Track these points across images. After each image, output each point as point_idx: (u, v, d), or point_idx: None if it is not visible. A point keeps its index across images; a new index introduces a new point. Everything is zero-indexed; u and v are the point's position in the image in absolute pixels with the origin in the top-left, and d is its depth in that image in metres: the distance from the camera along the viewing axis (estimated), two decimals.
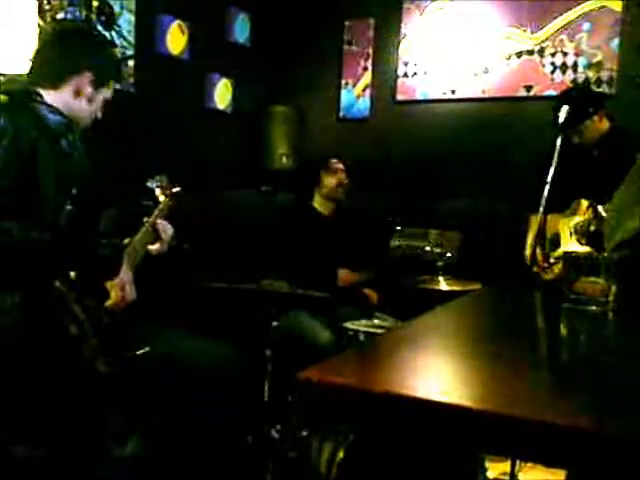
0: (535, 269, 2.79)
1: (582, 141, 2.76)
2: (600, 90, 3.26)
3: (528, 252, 2.73)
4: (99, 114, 1.77)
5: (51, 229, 1.50)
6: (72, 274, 1.50)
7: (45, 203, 1.52)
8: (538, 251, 2.72)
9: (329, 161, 3.19)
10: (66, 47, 1.70)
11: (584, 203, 2.74)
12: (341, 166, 3.19)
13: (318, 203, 3.19)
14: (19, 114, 1.54)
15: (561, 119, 2.57)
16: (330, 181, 3.15)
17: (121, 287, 1.61)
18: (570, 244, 2.78)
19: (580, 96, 2.92)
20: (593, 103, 2.83)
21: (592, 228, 2.64)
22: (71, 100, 1.67)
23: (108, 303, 1.60)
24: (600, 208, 2.58)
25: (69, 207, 1.57)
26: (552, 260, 2.83)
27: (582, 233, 2.72)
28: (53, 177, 1.53)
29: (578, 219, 2.76)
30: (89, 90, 1.70)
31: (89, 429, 1.52)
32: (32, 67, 1.70)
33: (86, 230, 1.67)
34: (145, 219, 1.79)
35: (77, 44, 1.73)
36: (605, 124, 2.79)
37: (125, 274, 1.63)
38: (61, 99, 1.66)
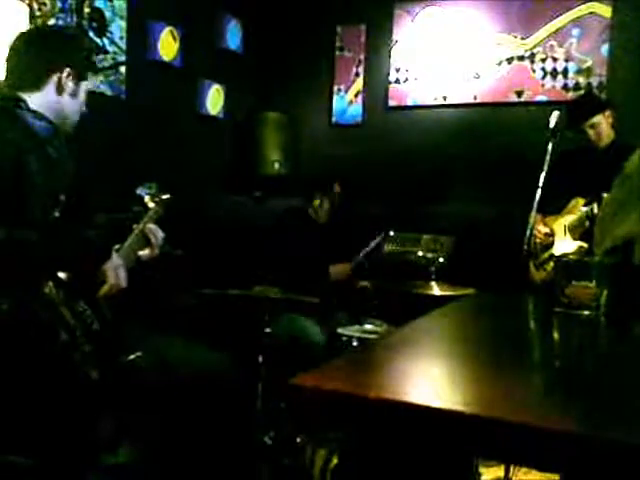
0: (530, 264, 2.83)
1: (597, 137, 2.83)
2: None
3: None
4: (83, 107, 1.76)
5: (37, 230, 1.49)
6: (62, 276, 1.49)
7: (32, 209, 1.51)
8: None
9: (325, 184, 3.17)
10: (40, 47, 1.69)
11: (580, 201, 2.78)
12: (334, 190, 3.17)
13: (311, 210, 3.20)
14: (3, 122, 1.53)
15: (552, 124, 2.60)
16: (317, 201, 3.15)
17: (114, 272, 1.59)
18: (564, 241, 2.81)
19: (588, 96, 3.14)
20: (600, 103, 2.96)
21: (587, 224, 2.67)
22: (55, 98, 1.67)
23: (103, 289, 1.59)
24: (595, 205, 2.61)
25: (57, 214, 1.57)
26: (542, 259, 2.86)
27: (576, 229, 2.76)
28: (40, 184, 1.52)
29: (573, 217, 2.80)
30: (70, 85, 1.69)
31: (80, 436, 1.51)
32: (8, 73, 1.68)
33: (74, 234, 1.66)
34: (135, 225, 1.79)
35: (50, 42, 1.72)
36: (612, 129, 2.86)
37: (117, 260, 1.61)
38: (45, 99, 1.65)
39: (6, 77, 1.69)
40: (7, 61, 1.69)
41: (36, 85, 1.65)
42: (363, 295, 3.08)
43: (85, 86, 1.74)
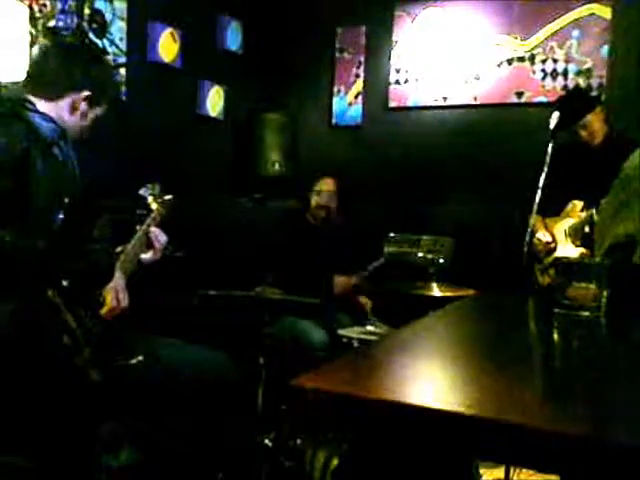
0: (536, 268, 2.83)
1: (589, 137, 2.80)
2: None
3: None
4: (88, 130, 1.77)
5: (44, 237, 1.50)
6: (64, 282, 1.49)
7: (37, 211, 1.52)
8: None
9: (318, 181, 3.21)
10: (67, 63, 1.70)
11: (578, 205, 2.77)
12: (328, 187, 3.19)
13: (310, 211, 3.21)
14: (11, 122, 1.53)
15: (552, 125, 2.60)
16: (314, 200, 3.18)
17: (115, 293, 1.61)
18: (565, 246, 2.81)
19: (576, 94, 3.09)
20: (590, 100, 2.94)
21: (586, 229, 2.66)
22: (65, 115, 1.68)
23: (103, 310, 1.59)
24: (594, 211, 2.61)
25: (61, 216, 1.57)
26: (546, 264, 2.86)
27: (576, 235, 2.75)
28: (45, 185, 1.52)
29: (572, 221, 2.79)
30: (84, 107, 1.70)
31: (81, 439, 1.51)
32: (29, 78, 1.69)
33: (79, 238, 1.67)
34: (138, 227, 1.79)
35: (78, 61, 1.73)
36: (604, 124, 2.83)
37: (118, 280, 1.63)
38: (55, 112, 1.66)
39: (25, 80, 1.70)
40: (31, 65, 1.71)
41: (50, 97, 1.66)
42: (360, 310, 3.10)
43: (97, 111, 1.75)
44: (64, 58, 1.71)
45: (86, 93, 1.69)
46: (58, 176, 1.57)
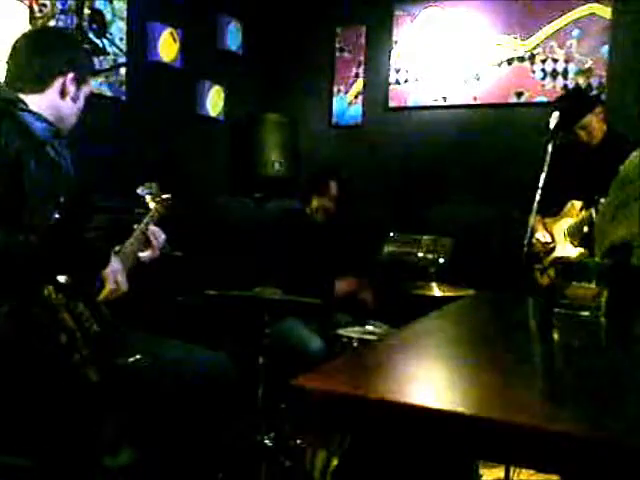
0: (535, 268, 2.83)
1: (589, 137, 2.79)
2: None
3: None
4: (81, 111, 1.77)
5: (38, 233, 1.49)
6: (62, 279, 1.49)
7: (32, 211, 1.51)
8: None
9: (321, 184, 3.16)
10: (44, 49, 1.69)
11: (577, 205, 2.77)
12: (331, 190, 3.15)
13: (310, 211, 3.20)
14: (3, 123, 1.53)
15: (552, 125, 2.60)
16: (315, 202, 3.14)
17: (113, 276, 1.60)
18: (565, 247, 2.81)
19: (576, 94, 3.07)
20: (589, 101, 2.92)
21: (586, 229, 2.66)
22: (58, 102, 1.67)
23: (103, 294, 1.59)
24: (593, 210, 2.60)
25: (57, 215, 1.57)
26: (545, 264, 2.86)
27: (575, 235, 2.75)
28: (39, 185, 1.52)
29: (571, 221, 2.79)
30: (73, 89, 1.70)
31: (80, 439, 1.51)
32: (9, 74, 1.68)
33: (74, 236, 1.66)
34: (135, 226, 1.79)
35: (54, 44, 1.72)
36: (603, 123, 2.83)
37: (115, 264, 1.62)
38: (47, 102, 1.65)
39: (7, 77, 1.69)
40: (9, 62, 1.69)
41: (39, 88, 1.65)
42: (363, 306, 3.09)
43: (85, 90, 1.75)
44: (40, 45, 1.70)
45: (70, 74, 1.68)
46: (52, 175, 1.57)
